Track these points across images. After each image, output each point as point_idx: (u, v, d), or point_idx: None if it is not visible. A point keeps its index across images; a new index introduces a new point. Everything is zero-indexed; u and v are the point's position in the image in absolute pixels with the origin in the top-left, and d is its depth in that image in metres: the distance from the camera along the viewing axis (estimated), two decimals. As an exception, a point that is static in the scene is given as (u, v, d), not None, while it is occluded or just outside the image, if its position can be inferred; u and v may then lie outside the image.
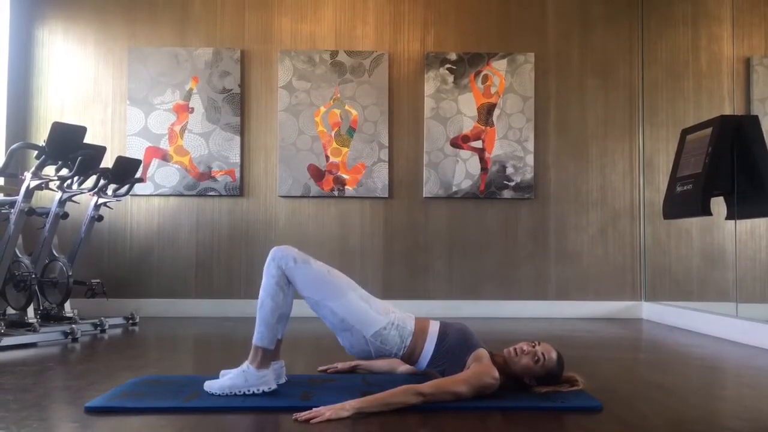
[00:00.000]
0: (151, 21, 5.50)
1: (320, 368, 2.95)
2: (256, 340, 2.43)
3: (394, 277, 5.43)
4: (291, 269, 2.43)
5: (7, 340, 3.58)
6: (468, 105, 5.53)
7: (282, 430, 2.12)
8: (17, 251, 3.98)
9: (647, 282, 5.51)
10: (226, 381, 2.43)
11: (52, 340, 3.87)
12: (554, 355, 2.45)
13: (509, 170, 5.51)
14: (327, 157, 5.45)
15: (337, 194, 5.43)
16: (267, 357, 2.44)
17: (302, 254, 2.48)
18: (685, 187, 4.43)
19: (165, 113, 5.44)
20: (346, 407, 2.16)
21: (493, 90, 5.54)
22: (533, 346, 2.44)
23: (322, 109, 5.48)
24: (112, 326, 4.54)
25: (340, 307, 2.43)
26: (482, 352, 2.43)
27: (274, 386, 2.44)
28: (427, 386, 2.29)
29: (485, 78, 5.55)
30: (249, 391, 2.40)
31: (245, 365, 2.43)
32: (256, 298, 2.48)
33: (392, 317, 2.49)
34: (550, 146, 5.59)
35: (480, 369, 2.35)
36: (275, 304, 2.43)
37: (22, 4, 5.39)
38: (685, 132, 4.66)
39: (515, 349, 2.45)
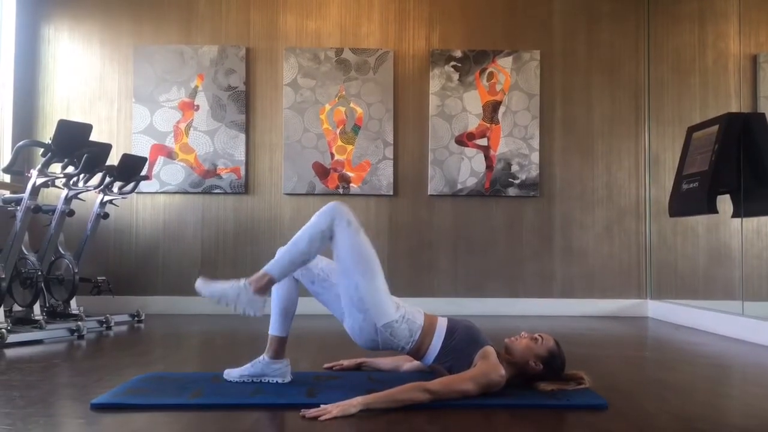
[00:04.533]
0: (157, 19, 5.51)
1: (325, 365, 2.96)
2: (268, 266, 2.46)
3: (399, 274, 5.42)
4: (342, 229, 2.44)
5: (14, 337, 3.60)
6: (473, 102, 5.52)
7: (287, 426, 2.12)
8: (23, 248, 3.99)
9: (653, 280, 5.50)
10: (218, 285, 2.48)
11: (58, 337, 3.88)
12: (552, 340, 2.49)
13: (514, 168, 5.50)
14: (332, 155, 5.45)
15: (342, 192, 5.43)
16: (269, 287, 2.47)
17: (357, 221, 2.49)
18: (691, 185, 4.41)
19: (170, 111, 5.45)
20: (353, 404, 2.17)
21: (498, 87, 5.53)
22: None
23: (327, 106, 5.48)
24: (117, 323, 4.55)
25: (366, 286, 2.44)
26: (489, 349, 2.43)
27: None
28: (434, 383, 2.30)
29: (490, 75, 5.54)
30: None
31: (243, 282, 2.47)
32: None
33: (403, 311, 2.50)
34: (555, 144, 5.58)
35: (487, 366, 2.36)
36: (308, 249, 2.45)
37: (28, 3, 5.40)
38: (692, 129, 4.65)
39: (515, 337, 2.52)
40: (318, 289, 2.55)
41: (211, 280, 2.50)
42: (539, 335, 2.49)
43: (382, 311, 2.45)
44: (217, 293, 2.45)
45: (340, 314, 2.54)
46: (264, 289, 2.45)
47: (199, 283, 2.48)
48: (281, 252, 2.49)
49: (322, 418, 2.10)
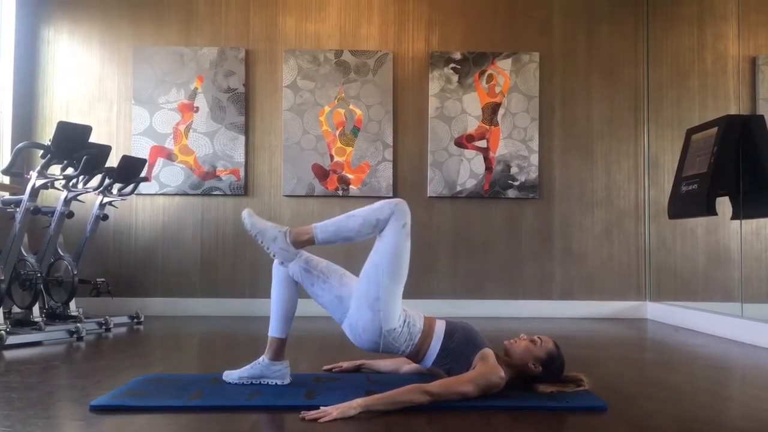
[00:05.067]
0: (157, 20, 5.51)
1: (325, 367, 2.96)
2: (316, 228, 2.51)
3: (398, 276, 5.41)
4: (396, 227, 2.48)
5: (13, 339, 3.59)
6: (472, 104, 5.53)
7: (286, 428, 2.12)
8: (23, 250, 3.99)
9: (652, 282, 5.50)
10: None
11: (57, 339, 3.88)
12: (551, 342, 2.50)
13: (514, 170, 5.50)
14: (331, 157, 5.46)
15: (341, 194, 5.43)
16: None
17: (409, 227, 2.52)
18: (690, 187, 4.42)
19: (170, 112, 5.45)
20: (353, 405, 2.16)
21: (497, 89, 5.54)
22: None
23: (327, 108, 5.49)
24: (116, 325, 4.55)
25: (388, 290, 2.47)
26: (488, 351, 2.43)
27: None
28: (434, 385, 2.29)
29: (490, 77, 5.54)
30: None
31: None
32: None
33: (404, 316, 2.52)
34: (554, 146, 5.58)
35: (486, 368, 2.36)
36: (358, 230, 2.50)
37: (27, 4, 5.40)
38: (691, 132, 4.65)
39: (513, 339, 2.52)
40: (317, 291, 2.55)
41: (257, 215, 2.57)
42: (538, 337, 2.50)
43: (390, 317, 2.46)
44: (257, 228, 2.52)
45: (339, 316, 2.54)
46: (301, 244, 2.52)
47: (246, 213, 2.55)
48: (333, 220, 2.54)
49: (321, 420, 2.10)
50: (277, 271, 2.58)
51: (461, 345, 2.46)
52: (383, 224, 2.49)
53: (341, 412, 2.13)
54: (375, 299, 2.45)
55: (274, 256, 2.53)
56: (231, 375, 2.59)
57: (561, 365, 2.49)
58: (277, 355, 2.56)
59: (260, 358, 2.58)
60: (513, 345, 2.49)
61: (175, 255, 5.42)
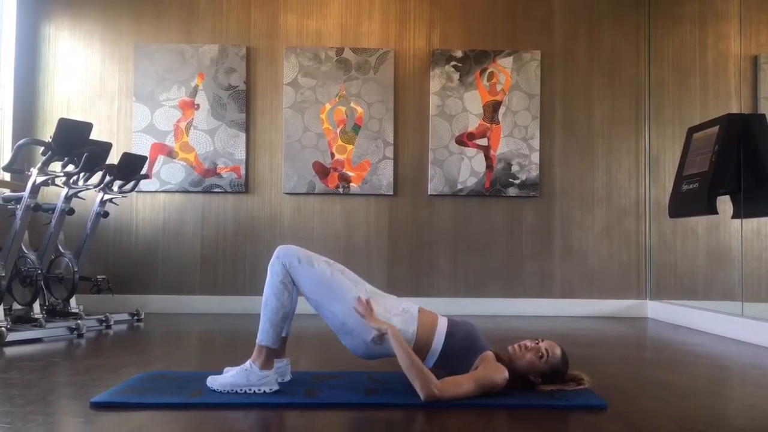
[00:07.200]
0: (157, 17, 5.51)
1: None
2: (260, 339, 2.43)
3: (398, 274, 5.42)
4: (294, 268, 2.43)
5: (13, 336, 3.60)
6: (473, 102, 5.52)
7: (286, 426, 2.12)
8: (23, 247, 3.99)
9: (652, 280, 5.50)
10: (227, 378, 2.43)
11: (57, 336, 3.88)
12: (558, 351, 2.44)
13: (514, 168, 5.50)
14: (332, 154, 5.45)
15: (342, 191, 5.43)
16: (271, 356, 2.44)
17: (307, 254, 2.48)
18: (691, 186, 4.41)
19: (171, 110, 5.45)
20: (389, 328, 2.34)
21: (498, 87, 5.53)
22: (537, 343, 2.45)
23: (328, 106, 5.48)
24: (117, 322, 4.55)
25: (340, 311, 2.42)
26: (489, 354, 2.41)
27: (275, 387, 2.43)
28: (440, 383, 2.29)
29: (491, 75, 5.54)
30: (250, 390, 2.40)
31: (248, 363, 2.43)
32: (261, 294, 2.49)
33: (399, 309, 2.47)
34: (555, 144, 5.58)
35: (490, 369, 2.34)
36: (280, 303, 2.43)
37: (28, 1, 5.39)
38: (692, 130, 4.65)
39: (519, 346, 2.45)
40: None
41: (218, 374, 2.48)
42: (545, 349, 2.42)
43: (368, 327, 2.39)
44: (228, 385, 2.41)
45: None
46: (268, 361, 2.42)
47: (210, 381, 2.46)
48: (261, 319, 2.44)
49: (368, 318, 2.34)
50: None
51: (464, 347, 2.42)
52: (288, 278, 2.43)
53: (379, 324, 2.36)
54: (341, 325, 2.42)
55: (263, 391, 2.39)
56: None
57: (564, 374, 2.46)
58: (278, 353, 2.55)
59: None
60: (517, 355, 2.43)
61: (175, 252, 5.42)
